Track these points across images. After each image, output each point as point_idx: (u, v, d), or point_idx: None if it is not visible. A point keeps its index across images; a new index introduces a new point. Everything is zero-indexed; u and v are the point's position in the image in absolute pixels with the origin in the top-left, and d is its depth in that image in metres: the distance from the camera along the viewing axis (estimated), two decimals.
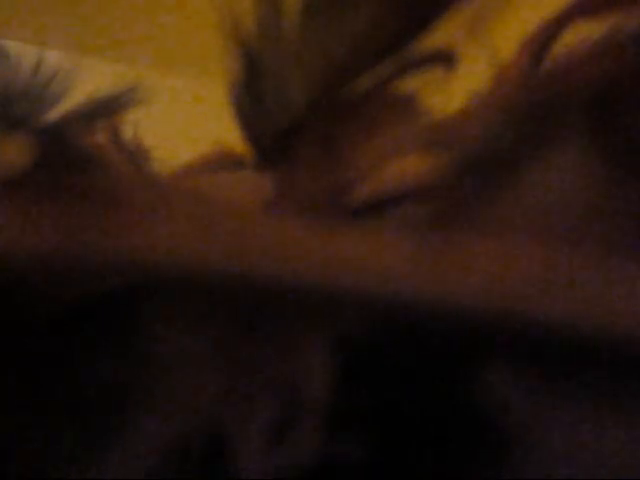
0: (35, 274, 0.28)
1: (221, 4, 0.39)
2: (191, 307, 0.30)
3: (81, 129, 0.38)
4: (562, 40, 0.35)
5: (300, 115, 0.37)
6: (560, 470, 0.28)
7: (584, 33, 0.34)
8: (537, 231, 0.29)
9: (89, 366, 0.29)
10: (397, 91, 0.37)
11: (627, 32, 0.32)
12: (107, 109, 0.40)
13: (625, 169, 0.29)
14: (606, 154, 0.30)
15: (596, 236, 0.29)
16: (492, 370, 0.28)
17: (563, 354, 0.28)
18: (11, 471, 0.28)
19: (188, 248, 0.29)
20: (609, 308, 0.27)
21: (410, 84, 0.37)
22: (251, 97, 0.39)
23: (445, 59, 0.37)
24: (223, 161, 0.43)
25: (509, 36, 0.37)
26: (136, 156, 0.41)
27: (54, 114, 0.39)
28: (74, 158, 0.32)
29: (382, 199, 0.32)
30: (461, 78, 0.37)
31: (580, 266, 0.28)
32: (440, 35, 0.36)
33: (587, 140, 0.30)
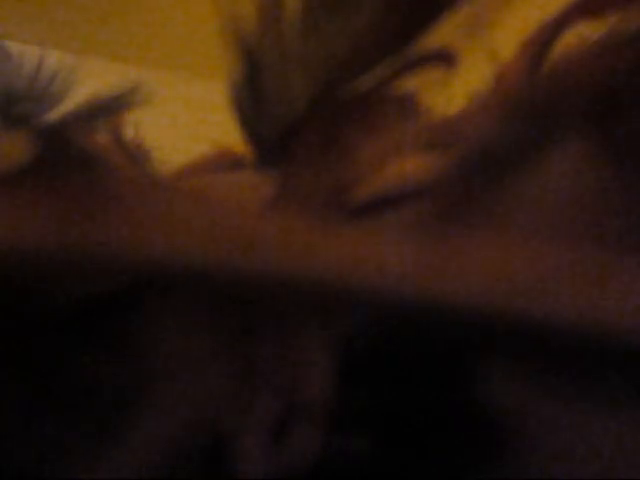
0: (34, 273, 0.28)
1: (222, 4, 0.39)
2: (191, 307, 0.30)
3: (82, 129, 0.38)
4: (562, 40, 0.35)
5: (300, 115, 0.37)
6: (560, 469, 0.28)
7: (584, 33, 0.34)
8: (537, 230, 0.30)
9: (89, 365, 0.29)
10: (397, 91, 0.37)
11: (627, 32, 0.32)
12: (108, 109, 0.40)
13: (625, 168, 0.29)
14: (606, 153, 0.30)
15: (597, 234, 0.29)
16: (492, 369, 0.28)
17: (564, 353, 0.28)
18: (11, 471, 0.28)
19: (188, 248, 0.29)
20: (610, 306, 0.27)
21: (410, 84, 0.37)
22: (251, 97, 0.39)
23: (445, 59, 0.37)
24: (223, 161, 0.43)
25: (509, 36, 0.37)
26: (137, 156, 0.41)
27: (55, 114, 0.39)
28: (75, 158, 0.32)
29: (382, 199, 0.32)
30: (461, 78, 0.37)
31: (581, 265, 0.28)
32: (440, 35, 0.36)
33: (587, 139, 0.30)
